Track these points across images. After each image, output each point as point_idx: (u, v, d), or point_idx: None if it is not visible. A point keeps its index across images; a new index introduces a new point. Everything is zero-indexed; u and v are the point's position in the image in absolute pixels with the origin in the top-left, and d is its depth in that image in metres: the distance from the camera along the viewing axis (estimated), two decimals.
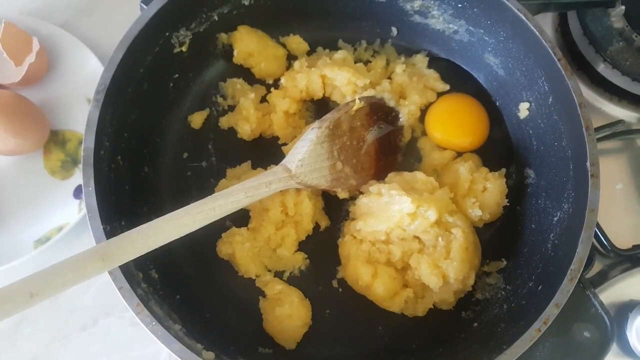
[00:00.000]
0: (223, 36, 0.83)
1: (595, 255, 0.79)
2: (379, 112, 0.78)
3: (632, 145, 0.90)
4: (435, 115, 0.82)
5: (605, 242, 0.77)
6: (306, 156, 0.69)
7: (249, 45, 0.83)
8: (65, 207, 0.83)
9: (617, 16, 0.89)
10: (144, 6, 0.72)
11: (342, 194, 0.76)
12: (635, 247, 0.80)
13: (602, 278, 0.77)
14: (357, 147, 0.75)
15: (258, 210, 0.75)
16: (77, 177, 0.85)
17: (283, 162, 0.70)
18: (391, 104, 0.79)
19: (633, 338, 0.71)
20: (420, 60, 0.86)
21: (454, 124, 0.81)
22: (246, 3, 0.81)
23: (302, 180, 0.69)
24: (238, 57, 0.84)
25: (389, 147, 0.79)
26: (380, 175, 0.76)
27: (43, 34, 0.90)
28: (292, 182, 0.68)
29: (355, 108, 0.73)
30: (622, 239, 0.78)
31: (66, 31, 0.91)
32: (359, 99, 0.74)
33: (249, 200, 0.65)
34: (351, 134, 0.74)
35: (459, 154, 0.81)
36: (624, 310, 0.73)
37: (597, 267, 0.79)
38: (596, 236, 0.78)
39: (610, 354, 0.72)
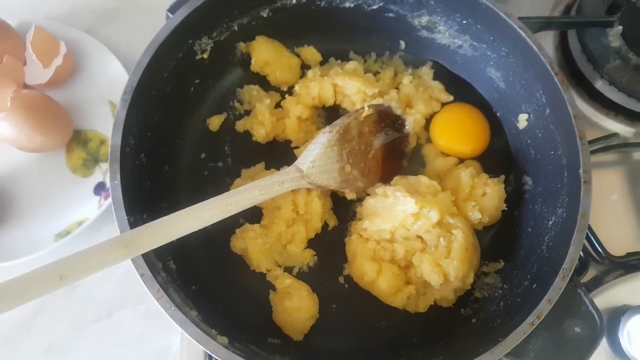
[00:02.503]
0: (242, 45, 0.87)
1: (590, 261, 0.82)
2: (387, 120, 0.82)
3: (628, 159, 0.94)
4: (440, 123, 0.86)
5: (600, 250, 0.80)
6: (317, 158, 0.73)
7: (266, 54, 0.87)
8: (86, 203, 0.86)
9: (614, 36, 0.93)
10: (170, 15, 0.76)
11: (350, 195, 0.80)
12: (629, 254, 0.83)
13: (597, 283, 0.80)
14: (365, 152, 0.79)
15: (270, 208, 0.78)
16: (97, 175, 0.89)
17: (295, 163, 0.74)
18: (398, 112, 0.83)
19: (625, 341, 0.74)
20: (426, 72, 0.90)
21: (457, 132, 0.85)
22: (264, 15, 0.85)
23: (313, 181, 0.73)
24: (255, 65, 0.88)
25: (395, 153, 0.83)
26: (386, 179, 0.80)
27: (70, 38, 0.95)
28: (304, 182, 0.72)
29: (364, 115, 0.77)
30: (616, 247, 0.81)
31: (91, 36, 0.96)
32: (368, 106, 0.78)
33: (262, 197, 0.68)
34: (360, 139, 0.78)
35: (461, 161, 0.85)
36: (617, 314, 0.76)
37: (591, 273, 0.82)
38: (591, 244, 0.81)
39: (604, 357, 0.76)
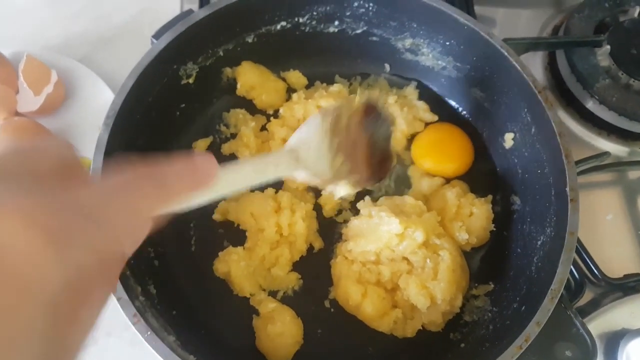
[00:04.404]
0: (227, 70, 0.88)
1: (586, 284, 0.79)
2: (371, 114, 0.73)
3: (622, 178, 0.93)
4: (421, 143, 0.86)
5: (596, 272, 0.78)
6: (312, 141, 0.62)
7: (252, 78, 0.87)
8: None
9: (603, 55, 0.93)
10: (154, 40, 0.77)
11: (344, 190, 0.67)
12: (626, 276, 0.80)
13: (594, 306, 0.78)
14: (354, 146, 0.69)
15: (254, 230, 0.77)
16: None
17: (289, 145, 0.63)
18: (382, 107, 0.74)
19: None
20: (411, 92, 0.91)
21: (439, 151, 0.85)
22: (250, 40, 0.86)
23: (308, 166, 0.61)
24: (241, 89, 0.89)
25: (382, 153, 0.74)
26: (377, 178, 0.71)
27: (62, 67, 0.96)
28: (300, 168, 0.60)
29: (357, 103, 0.69)
30: (613, 269, 0.79)
31: (83, 64, 0.97)
32: (360, 96, 0.71)
33: (255, 178, 0.55)
34: (347, 131, 0.68)
35: (447, 181, 0.84)
36: (616, 338, 0.74)
37: (588, 295, 0.80)
38: (587, 265, 0.79)
39: None
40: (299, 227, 0.76)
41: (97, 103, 0.95)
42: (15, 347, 0.22)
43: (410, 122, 0.86)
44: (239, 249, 0.77)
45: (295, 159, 0.61)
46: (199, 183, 0.37)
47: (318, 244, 0.80)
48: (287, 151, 0.62)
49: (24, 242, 0.24)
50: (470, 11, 0.96)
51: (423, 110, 0.88)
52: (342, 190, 0.68)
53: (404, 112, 0.86)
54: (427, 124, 0.88)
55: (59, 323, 0.25)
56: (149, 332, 0.59)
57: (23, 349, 0.22)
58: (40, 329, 0.23)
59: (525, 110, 0.76)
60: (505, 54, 0.74)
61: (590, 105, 0.94)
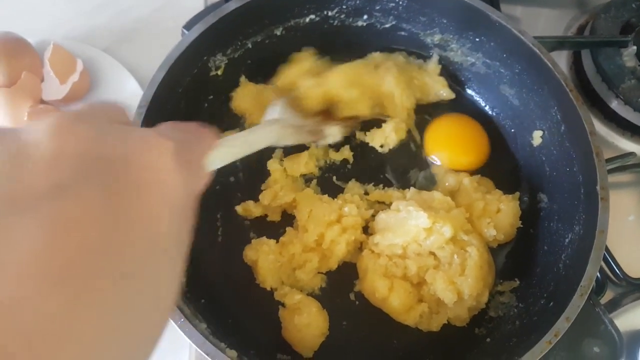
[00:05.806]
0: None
1: (607, 283, 0.80)
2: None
3: None
4: (435, 135, 0.86)
5: (617, 271, 0.78)
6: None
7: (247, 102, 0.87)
8: None
9: (629, 56, 0.93)
10: (186, 31, 0.78)
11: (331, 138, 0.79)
12: None
13: (614, 306, 0.78)
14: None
15: (302, 223, 0.76)
16: None
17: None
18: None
19: None
20: (432, 67, 0.89)
21: (453, 145, 0.85)
22: (278, 33, 0.86)
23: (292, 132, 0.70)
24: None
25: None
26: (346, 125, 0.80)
27: (87, 56, 0.97)
28: (287, 135, 0.69)
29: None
30: (634, 268, 0.79)
31: (108, 55, 0.98)
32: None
33: (251, 147, 0.61)
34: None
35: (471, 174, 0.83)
36: (636, 338, 0.74)
37: (609, 295, 0.80)
38: (609, 265, 0.79)
39: None
40: (339, 249, 0.75)
41: (122, 93, 0.95)
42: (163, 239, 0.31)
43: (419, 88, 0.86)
44: (272, 241, 0.76)
45: (283, 126, 0.68)
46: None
47: None
48: (275, 121, 0.69)
49: (166, 166, 0.32)
50: (496, 7, 0.96)
51: (441, 85, 0.87)
52: (330, 138, 0.79)
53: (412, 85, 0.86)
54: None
55: (183, 227, 0.34)
56: (182, 319, 0.59)
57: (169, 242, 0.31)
58: (176, 231, 0.32)
59: (556, 108, 0.76)
60: (537, 51, 0.74)
61: (615, 105, 0.94)
